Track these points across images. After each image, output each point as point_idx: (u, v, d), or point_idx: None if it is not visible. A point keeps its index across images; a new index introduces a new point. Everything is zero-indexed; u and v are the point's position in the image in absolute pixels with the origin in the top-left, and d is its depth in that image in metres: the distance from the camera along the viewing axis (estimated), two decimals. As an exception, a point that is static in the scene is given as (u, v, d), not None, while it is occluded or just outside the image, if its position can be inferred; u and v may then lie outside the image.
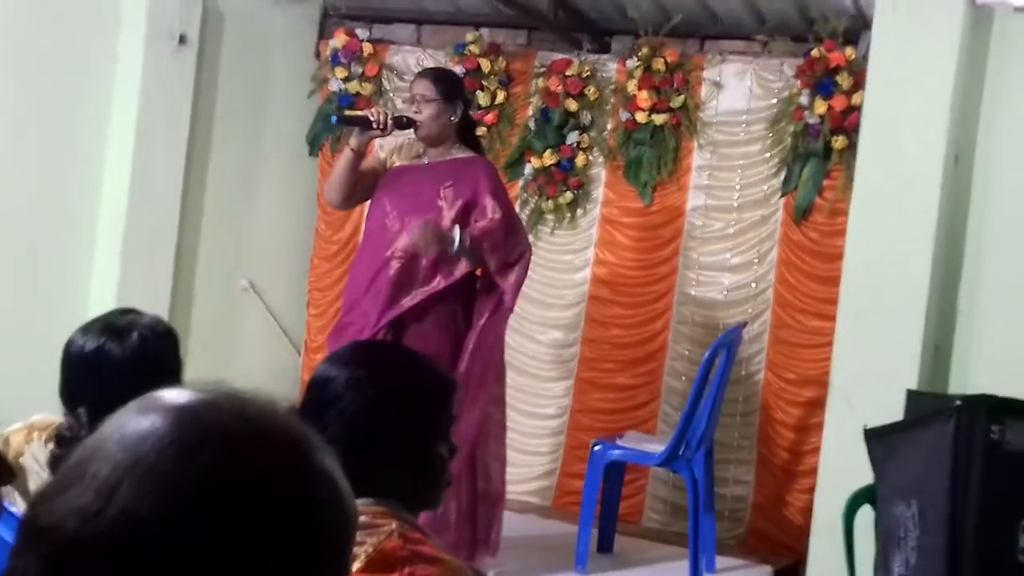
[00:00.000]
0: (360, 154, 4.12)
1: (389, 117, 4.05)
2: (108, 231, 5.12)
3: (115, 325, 2.33)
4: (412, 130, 4.12)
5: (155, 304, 5.01)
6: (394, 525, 1.70)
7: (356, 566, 1.63)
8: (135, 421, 0.84)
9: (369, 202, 4.26)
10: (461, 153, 4.18)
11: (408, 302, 4.02)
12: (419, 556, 1.68)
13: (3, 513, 1.29)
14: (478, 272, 4.14)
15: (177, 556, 0.79)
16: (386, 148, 4.26)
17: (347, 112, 4.16)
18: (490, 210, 4.05)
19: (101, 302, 4.98)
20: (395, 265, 4.03)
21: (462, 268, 4.05)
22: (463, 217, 4.04)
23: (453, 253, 4.00)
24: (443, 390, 1.89)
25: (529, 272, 5.32)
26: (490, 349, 4.09)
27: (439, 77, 4.24)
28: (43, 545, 0.80)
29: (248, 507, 0.81)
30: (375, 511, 1.71)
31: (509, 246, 4.07)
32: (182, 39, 5.21)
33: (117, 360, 2.26)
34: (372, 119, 4.03)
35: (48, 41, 4.89)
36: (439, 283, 4.03)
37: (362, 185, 4.18)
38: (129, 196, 5.09)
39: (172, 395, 0.87)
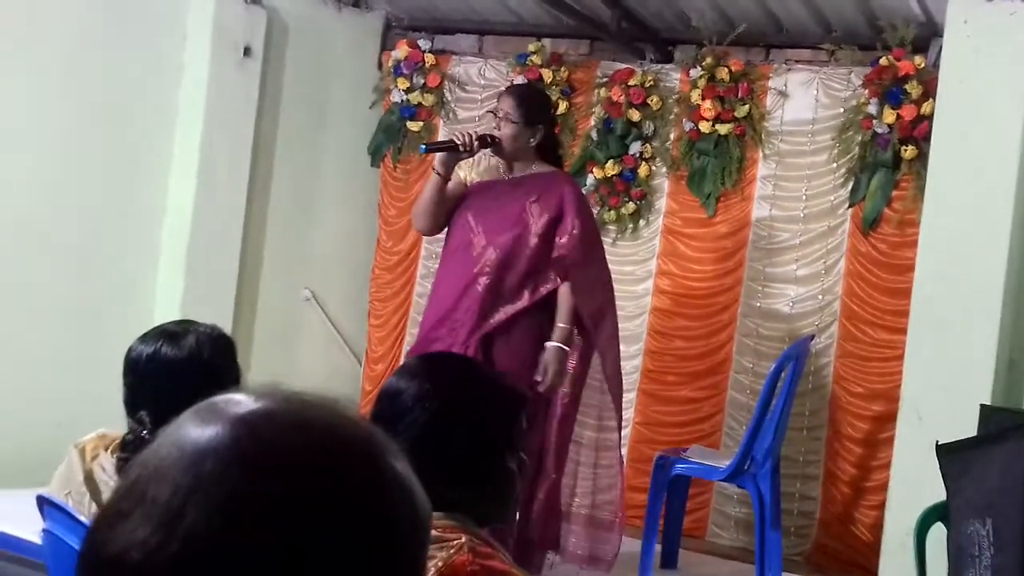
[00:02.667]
0: (447, 178, 4.11)
1: (474, 138, 4.04)
2: (173, 241, 5.16)
3: (171, 330, 2.39)
4: (494, 147, 4.10)
5: (219, 314, 5.05)
6: (464, 539, 1.68)
7: None
8: (194, 435, 0.80)
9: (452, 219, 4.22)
10: (542, 168, 4.16)
11: (497, 319, 4.01)
12: (489, 571, 1.66)
13: None
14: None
15: None
16: (464, 165, 4.21)
17: (435, 140, 4.14)
18: (571, 224, 4.03)
19: (166, 313, 5.02)
20: (484, 281, 4.02)
21: (548, 286, 4.04)
22: (548, 231, 4.03)
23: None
24: (512, 404, 1.86)
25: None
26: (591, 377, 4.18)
27: (524, 99, 4.18)
28: None
29: (319, 525, 0.78)
30: (445, 525, 1.70)
31: (588, 267, 4.08)
32: (247, 51, 5.25)
33: (173, 362, 2.31)
34: (459, 143, 4.01)
35: (115, 54, 4.95)
36: (525, 299, 4.02)
37: (448, 207, 4.16)
38: (194, 207, 5.14)
39: (231, 404, 0.83)
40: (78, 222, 4.90)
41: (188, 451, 0.79)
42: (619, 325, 5.38)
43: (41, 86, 4.75)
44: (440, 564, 1.63)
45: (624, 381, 5.33)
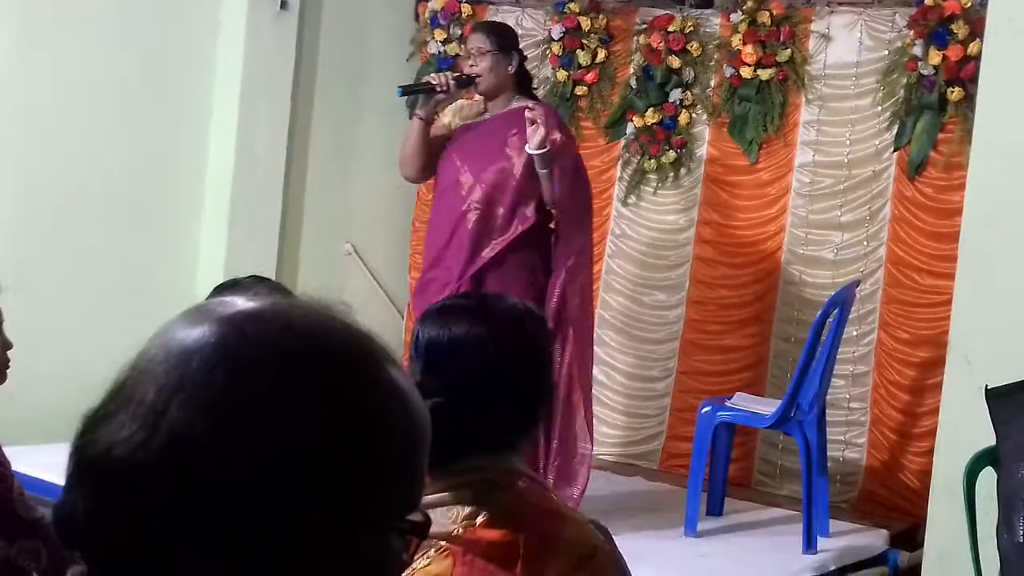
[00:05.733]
0: (429, 122, 4.20)
1: (450, 78, 4.13)
2: (214, 198, 5.19)
3: (228, 284, 2.47)
4: (473, 86, 4.17)
5: (262, 269, 5.05)
6: (520, 484, 1.68)
7: (479, 520, 1.62)
8: (181, 335, 0.79)
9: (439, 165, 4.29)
10: (522, 103, 4.19)
11: (488, 253, 4.06)
12: (546, 512, 1.66)
13: None
14: (551, 224, 4.14)
15: (232, 482, 0.74)
16: (448, 112, 4.29)
17: (410, 83, 4.26)
18: (552, 135, 3.99)
19: (209, 269, 5.06)
20: (473, 217, 4.09)
21: (532, 214, 4.05)
22: (531, 161, 4.05)
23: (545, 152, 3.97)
24: (544, 333, 1.86)
25: (626, 231, 5.27)
26: (574, 304, 4.10)
27: (492, 29, 4.30)
28: (92, 477, 0.77)
29: (304, 426, 0.76)
30: (501, 468, 1.69)
31: (566, 165, 4.06)
32: (283, 4, 5.24)
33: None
34: (435, 83, 4.11)
35: (152, 10, 4.96)
36: (516, 229, 4.07)
37: (433, 152, 4.24)
38: (234, 163, 5.16)
39: (221, 305, 0.82)
40: (119, 179, 4.93)
41: (175, 351, 0.78)
42: (661, 275, 5.37)
43: (81, 43, 4.76)
44: (496, 508, 1.64)
45: (668, 331, 5.34)
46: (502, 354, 1.73)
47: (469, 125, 4.25)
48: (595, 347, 5.39)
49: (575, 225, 4.14)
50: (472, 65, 4.17)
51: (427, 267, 4.25)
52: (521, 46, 5.60)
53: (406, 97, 5.79)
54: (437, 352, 1.76)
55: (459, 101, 4.32)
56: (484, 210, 4.07)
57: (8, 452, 2.36)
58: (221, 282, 2.55)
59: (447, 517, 1.61)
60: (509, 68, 4.16)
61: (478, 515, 1.62)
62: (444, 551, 1.58)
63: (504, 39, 4.21)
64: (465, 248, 4.07)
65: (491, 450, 1.70)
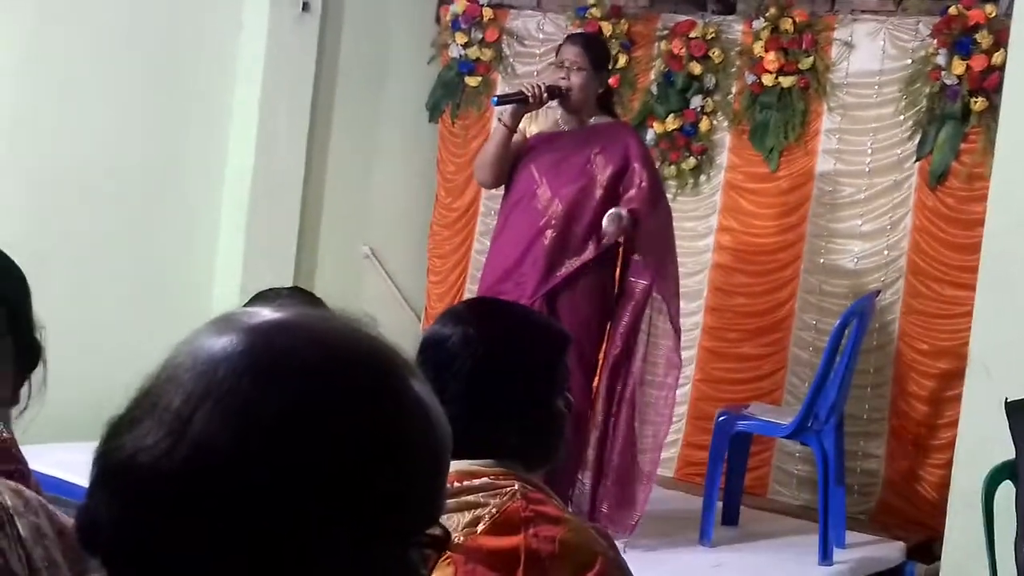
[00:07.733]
0: (513, 130, 4.12)
1: (543, 89, 4.05)
2: (233, 199, 5.19)
3: (265, 294, 2.48)
4: (563, 98, 4.10)
5: (279, 272, 5.09)
6: (516, 486, 1.68)
7: (480, 528, 1.62)
8: (208, 344, 0.79)
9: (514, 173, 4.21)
10: (601, 119, 4.16)
11: (563, 272, 4.01)
12: (542, 516, 1.67)
13: None
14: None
15: (256, 491, 0.75)
16: (524, 118, 4.19)
17: (505, 92, 4.19)
18: (638, 176, 4.03)
19: (227, 271, 5.08)
20: (550, 234, 4.04)
21: (611, 237, 4.03)
22: (613, 183, 4.03)
23: (629, 228, 4.00)
24: (556, 343, 1.84)
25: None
26: (643, 328, 4.07)
27: (589, 44, 4.21)
28: (115, 483, 0.77)
29: (328, 438, 0.76)
30: (497, 472, 1.69)
31: (655, 219, 4.07)
32: (305, 6, 5.25)
33: None
34: (528, 94, 4.03)
35: (173, 10, 4.96)
36: (591, 251, 4.03)
37: (510, 160, 4.17)
38: (253, 164, 5.16)
39: (248, 315, 0.82)
40: (138, 178, 4.94)
41: (201, 359, 0.78)
42: (680, 281, 5.35)
43: (102, 42, 4.77)
44: (494, 511, 1.64)
45: (685, 338, 5.31)
46: (488, 355, 1.72)
47: (546, 136, 4.17)
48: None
49: (659, 265, 4.10)
50: (564, 78, 4.09)
51: (495, 279, 4.15)
52: (541, 51, 5.65)
53: (425, 104, 5.85)
54: (428, 351, 1.76)
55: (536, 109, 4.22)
56: (562, 228, 4.03)
57: (23, 451, 2.36)
58: (258, 292, 2.56)
59: (448, 525, 1.60)
60: (599, 88, 4.13)
61: (479, 522, 1.61)
62: (446, 559, 1.57)
63: (599, 57, 4.16)
64: (540, 265, 4.02)
65: (489, 455, 1.69)
